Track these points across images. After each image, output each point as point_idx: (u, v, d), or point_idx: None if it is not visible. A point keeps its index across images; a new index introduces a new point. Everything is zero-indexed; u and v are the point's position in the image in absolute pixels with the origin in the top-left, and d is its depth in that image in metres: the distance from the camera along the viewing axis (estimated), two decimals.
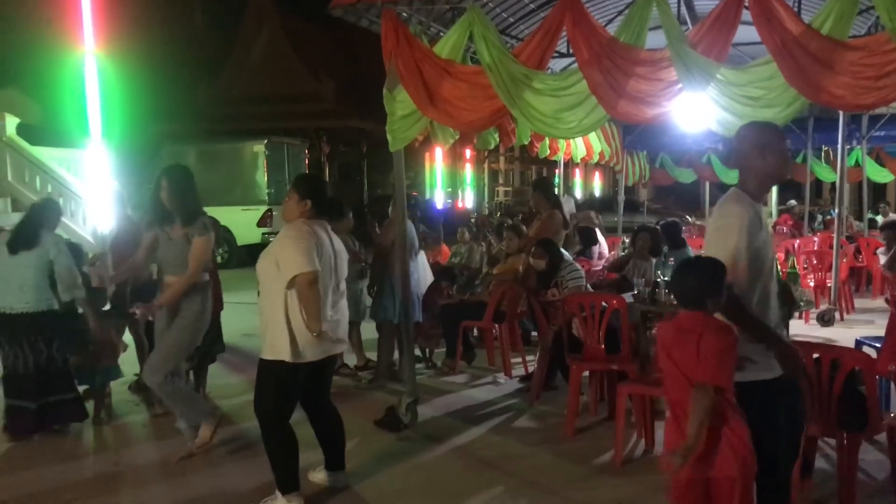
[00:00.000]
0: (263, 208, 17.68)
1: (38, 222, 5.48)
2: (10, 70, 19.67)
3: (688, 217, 18.22)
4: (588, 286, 6.67)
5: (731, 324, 3.03)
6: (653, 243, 7.69)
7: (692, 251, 8.13)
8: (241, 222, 17.11)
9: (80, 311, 5.51)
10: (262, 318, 4.18)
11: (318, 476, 4.60)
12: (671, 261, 7.09)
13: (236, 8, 23.57)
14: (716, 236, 3.24)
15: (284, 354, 4.08)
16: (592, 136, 10.29)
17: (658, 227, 8.10)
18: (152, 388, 5.10)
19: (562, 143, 9.88)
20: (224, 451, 5.23)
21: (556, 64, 8.09)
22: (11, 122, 14.12)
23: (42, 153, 14.29)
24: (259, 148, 18.40)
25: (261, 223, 17.57)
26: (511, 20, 7.59)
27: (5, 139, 13.95)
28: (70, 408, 5.55)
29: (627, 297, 5.98)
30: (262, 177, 18.33)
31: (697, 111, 4.76)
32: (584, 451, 5.14)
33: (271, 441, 4.25)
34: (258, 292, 4.26)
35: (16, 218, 13.11)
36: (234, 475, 4.81)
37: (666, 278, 6.46)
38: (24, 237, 5.38)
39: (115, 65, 15.07)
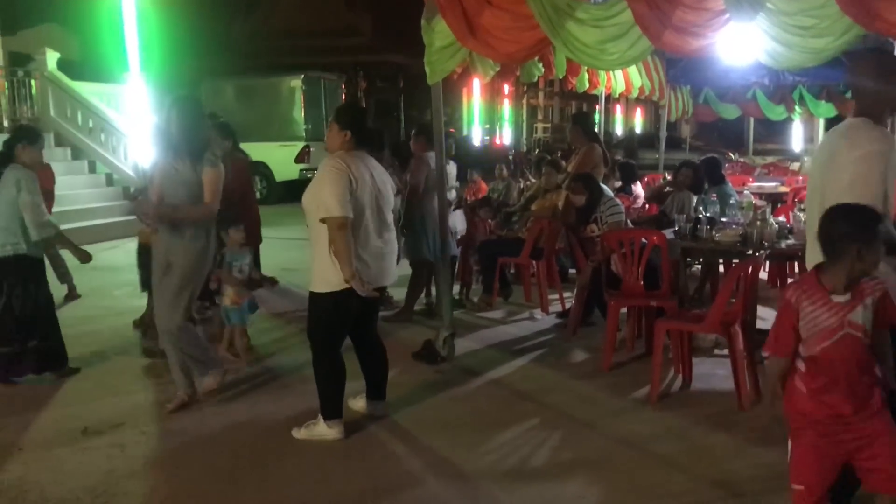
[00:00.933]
0: (301, 144, 17.69)
1: None
2: (49, 5, 19.71)
3: (731, 154, 17.84)
4: (628, 222, 6.61)
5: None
6: (694, 179, 7.58)
7: (732, 188, 8.00)
8: (279, 158, 17.16)
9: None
10: (312, 253, 4.24)
11: (359, 404, 4.69)
12: (713, 196, 6.98)
13: None
14: (863, 164, 3.16)
15: (335, 286, 4.14)
16: (633, 70, 10.02)
17: (700, 163, 7.96)
18: (168, 343, 4.72)
19: (602, 77, 9.65)
20: (260, 382, 5.37)
21: None
22: (52, 57, 14.19)
23: (82, 88, 14.38)
24: (296, 83, 18.33)
25: (298, 159, 17.60)
26: None
27: (47, 74, 14.05)
28: (53, 354, 5.42)
29: (668, 234, 5.92)
30: (299, 112, 18.30)
31: (744, 43, 4.60)
32: (621, 386, 5.17)
33: (321, 367, 4.35)
34: (307, 225, 4.28)
35: (59, 153, 13.43)
36: (270, 404, 4.93)
37: (707, 214, 6.37)
38: None
39: None
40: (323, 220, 4.06)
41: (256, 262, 6.39)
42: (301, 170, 17.42)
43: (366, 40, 21.65)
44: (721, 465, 4.00)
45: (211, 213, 4.64)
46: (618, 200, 6.66)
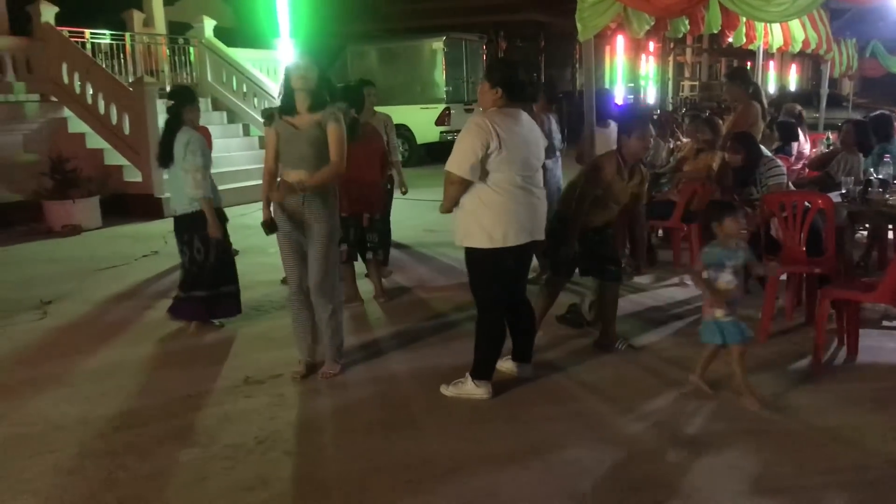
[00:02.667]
0: (441, 107, 17.80)
1: (171, 136, 5.55)
2: None
3: None
4: (790, 184, 6.23)
5: None
6: (861, 137, 7.04)
7: None
8: (420, 121, 17.35)
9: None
10: (457, 210, 4.26)
11: (506, 365, 4.70)
12: (886, 157, 6.47)
13: None
14: None
15: (486, 241, 4.17)
16: (795, 23, 9.38)
17: (869, 120, 7.38)
18: (322, 303, 4.68)
19: (759, 31, 9.09)
20: (406, 340, 5.48)
21: None
22: (209, 25, 14.85)
23: (236, 54, 15.00)
24: (438, 45, 18.39)
25: (439, 122, 17.73)
26: None
27: (204, 41, 14.74)
28: (230, 301, 5.83)
29: (834, 197, 5.54)
30: (440, 75, 18.37)
31: None
32: (779, 356, 4.93)
33: (483, 324, 4.40)
34: None
35: (216, 117, 14.11)
36: (417, 362, 5.05)
37: (880, 176, 5.92)
38: (167, 152, 5.56)
39: None
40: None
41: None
42: (441, 132, 17.55)
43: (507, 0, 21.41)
44: (892, 444, 3.75)
45: (340, 171, 4.52)
46: (779, 161, 6.29)
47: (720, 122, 7.61)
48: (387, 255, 7.17)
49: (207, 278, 5.67)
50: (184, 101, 5.64)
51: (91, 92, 11.86)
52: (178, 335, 5.74)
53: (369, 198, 6.13)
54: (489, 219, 4.14)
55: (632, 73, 26.28)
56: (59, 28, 12.17)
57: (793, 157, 8.45)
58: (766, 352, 5.00)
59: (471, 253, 4.29)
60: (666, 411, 4.21)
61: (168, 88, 13.87)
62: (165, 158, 5.58)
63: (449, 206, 4.26)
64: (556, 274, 5.23)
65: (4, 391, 4.73)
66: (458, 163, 4.11)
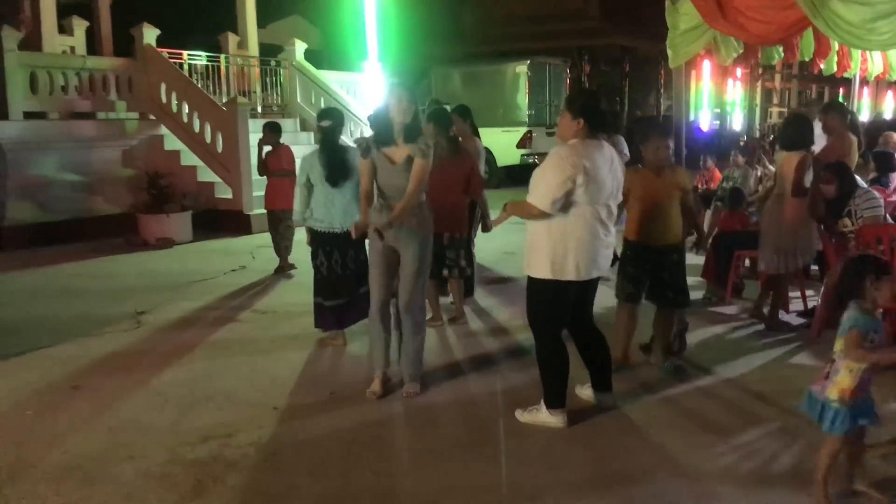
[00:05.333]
0: (523, 129, 17.85)
1: (341, 153, 5.68)
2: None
3: None
4: (887, 216, 6.01)
5: None
6: None
7: None
8: (502, 143, 17.41)
9: None
10: (528, 237, 4.28)
11: (585, 393, 4.67)
12: None
13: None
14: None
15: (552, 273, 4.16)
16: (894, 51, 9.10)
17: None
18: (410, 322, 4.80)
19: (855, 59, 8.84)
20: (484, 361, 5.50)
21: None
22: (300, 48, 15.28)
23: (325, 76, 15.38)
24: (521, 69, 18.49)
25: (520, 144, 17.77)
26: None
27: (295, 63, 15.17)
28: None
29: None
30: (523, 98, 18.45)
31: None
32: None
33: (542, 353, 4.39)
34: None
35: (303, 137, 14.49)
36: (498, 384, 5.06)
37: None
38: (342, 171, 5.63)
39: None
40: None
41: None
42: (522, 155, 17.58)
43: (593, 23, 21.36)
44: None
45: (413, 201, 4.61)
46: (875, 193, 6.08)
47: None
48: (471, 283, 7.19)
49: (352, 284, 5.81)
50: (340, 122, 5.87)
51: (187, 111, 12.35)
52: (266, 348, 5.89)
53: (450, 218, 6.19)
54: (561, 250, 4.12)
55: (718, 98, 25.83)
56: (159, 49, 12.75)
57: (890, 188, 8.14)
58: None
59: (535, 282, 4.27)
60: (752, 447, 4.10)
61: (259, 109, 14.38)
62: (344, 173, 5.63)
63: (527, 212, 4.18)
64: (623, 299, 5.21)
65: (99, 397, 4.94)
66: (542, 196, 4.08)
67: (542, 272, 4.20)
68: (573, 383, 4.59)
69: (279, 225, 8.41)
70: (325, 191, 5.70)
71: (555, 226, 4.13)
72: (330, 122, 5.78)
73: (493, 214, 5.78)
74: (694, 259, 5.92)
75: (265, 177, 8.55)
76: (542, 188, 4.09)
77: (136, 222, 10.83)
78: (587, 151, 4.11)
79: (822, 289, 6.08)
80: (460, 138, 6.59)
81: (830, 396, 3.34)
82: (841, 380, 3.32)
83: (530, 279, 4.31)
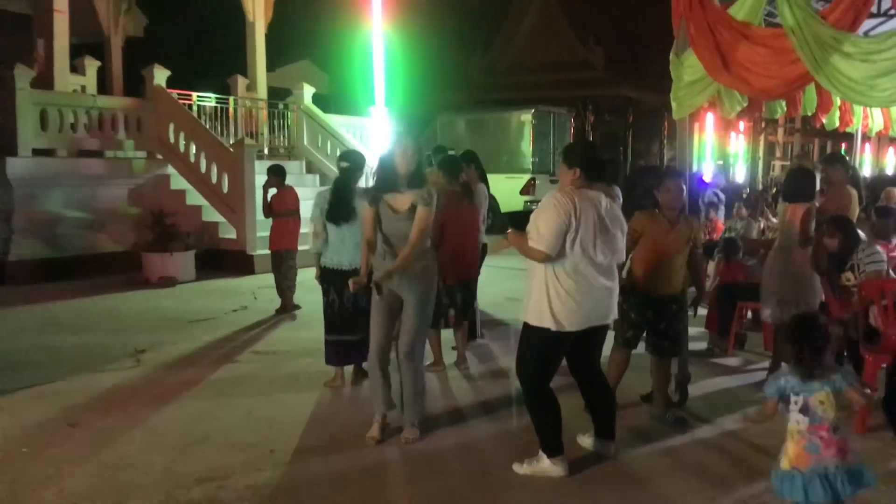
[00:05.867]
0: (527, 176, 17.97)
1: (348, 196, 5.75)
2: (304, 44, 21.69)
3: None
4: (890, 271, 6.01)
5: None
6: None
7: None
8: (505, 190, 17.50)
9: None
10: (527, 284, 4.27)
11: (587, 441, 4.62)
12: None
13: None
14: None
15: (547, 322, 4.14)
16: None
17: None
18: (410, 368, 4.79)
19: (857, 115, 8.95)
20: (483, 410, 5.45)
21: (869, 26, 7.31)
22: (308, 91, 15.48)
23: (332, 120, 15.56)
24: (526, 117, 18.69)
25: (523, 191, 17.88)
26: None
27: (303, 107, 15.35)
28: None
29: None
30: (527, 146, 18.63)
31: None
32: (877, 452, 4.68)
33: (532, 404, 4.35)
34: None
35: (309, 179, 14.59)
36: (510, 428, 4.99)
37: None
38: (342, 212, 5.74)
39: (397, 39, 15.99)
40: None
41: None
42: (525, 201, 17.67)
43: (598, 74, 21.64)
44: None
45: (416, 251, 4.63)
46: (878, 247, 6.09)
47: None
48: (475, 325, 7.21)
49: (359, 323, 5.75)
50: (359, 165, 5.95)
51: (194, 151, 12.48)
52: (265, 389, 5.86)
53: (472, 264, 6.23)
54: (557, 298, 4.11)
55: (720, 150, 26.02)
56: (169, 90, 12.92)
57: (893, 243, 8.15)
58: (865, 445, 4.75)
59: (530, 329, 4.23)
60: (754, 501, 4.05)
61: (266, 151, 14.51)
62: (345, 215, 5.72)
63: (527, 252, 4.17)
64: (621, 343, 5.21)
65: (96, 434, 4.91)
66: (541, 238, 4.07)
67: (538, 320, 4.18)
68: (575, 431, 4.55)
69: (282, 265, 8.47)
70: (334, 229, 5.78)
71: (551, 273, 4.13)
72: (347, 163, 5.89)
73: (498, 259, 5.83)
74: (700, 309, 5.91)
75: (270, 218, 8.62)
76: (542, 228, 4.10)
77: (140, 260, 10.85)
78: (580, 197, 4.15)
79: None
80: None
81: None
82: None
83: (525, 326, 4.28)
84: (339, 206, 5.75)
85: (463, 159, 6.86)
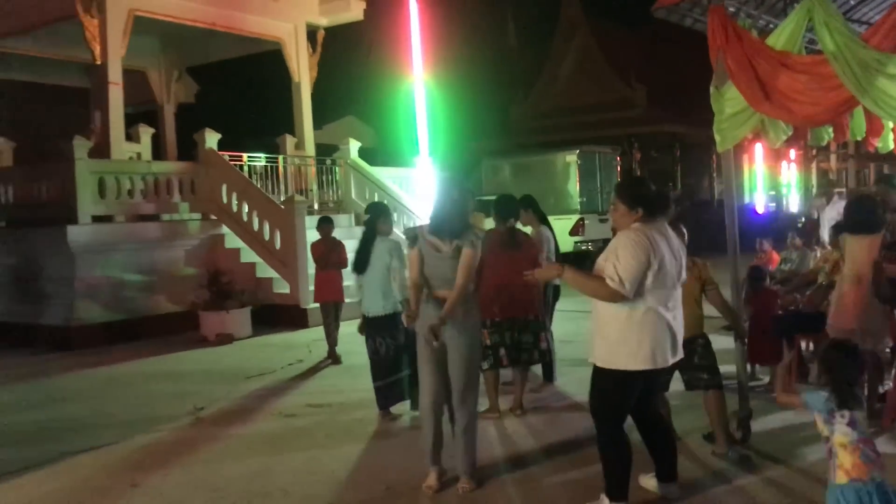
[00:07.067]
0: (575, 217, 17.90)
1: (369, 245, 6.29)
2: (349, 100, 22.20)
3: None
4: None
5: None
6: None
7: None
8: (555, 231, 17.44)
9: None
10: (596, 325, 4.18)
11: (650, 483, 4.52)
12: None
13: (548, 24, 24.25)
14: None
15: (620, 362, 4.07)
16: None
17: None
18: (464, 415, 4.73)
19: None
20: (539, 454, 5.36)
21: None
22: (354, 146, 15.78)
23: (379, 173, 15.79)
24: (571, 158, 18.71)
25: (573, 232, 17.80)
26: (852, 2, 6.91)
27: (350, 161, 15.63)
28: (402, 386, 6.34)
29: None
30: (573, 186, 18.60)
31: None
32: None
33: (605, 445, 4.26)
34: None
35: (358, 231, 14.70)
36: (567, 475, 4.90)
37: None
38: (361, 260, 6.32)
39: (438, 89, 16.25)
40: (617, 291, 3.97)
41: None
42: (575, 242, 17.58)
43: (641, 112, 21.65)
44: None
45: (463, 293, 4.64)
46: None
47: None
48: (551, 367, 7.25)
49: (392, 367, 6.29)
50: (378, 214, 6.45)
51: (246, 210, 12.76)
52: (323, 442, 5.88)
53: (522, 301, 6.19)
54: (635, 338, 4.02)
55: (772, 180, 25.64)
56: (220, 153, 13.29)
57: None
58: None
59: (603, 371, 4.14)
60: None
61: (316, 206, 14.77)
62: (363, 265, 6.29)
63: (594, 290, 4.04)
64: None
65: (157, 495, 4.96)
66: (621, 278, 3.92)
67: (614, 362, 4.09)
68: (637, 472, 4.46)
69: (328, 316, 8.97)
70: (358, 277, 6.32)
71: (625, 313, 4.03)
72: (368, 214, 6.51)
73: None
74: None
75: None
76: (622, 268, 3.94)
77: (198, 319, 11.06)
78: (653, 235, 4.06)
79: (894, 373, 5.84)
80: (529, 227, 7.00)
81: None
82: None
83: (597, 368, 4.19)
84: (358, 254, 6.33)
85: (521, 204, 6.89)
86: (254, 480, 5.12)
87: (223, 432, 6.33)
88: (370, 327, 6.35)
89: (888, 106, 4.38)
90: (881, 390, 6.12)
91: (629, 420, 4.35)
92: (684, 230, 5.87)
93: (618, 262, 3.98)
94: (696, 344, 5.04)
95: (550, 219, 17.48)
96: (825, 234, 8.56)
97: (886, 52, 4.38)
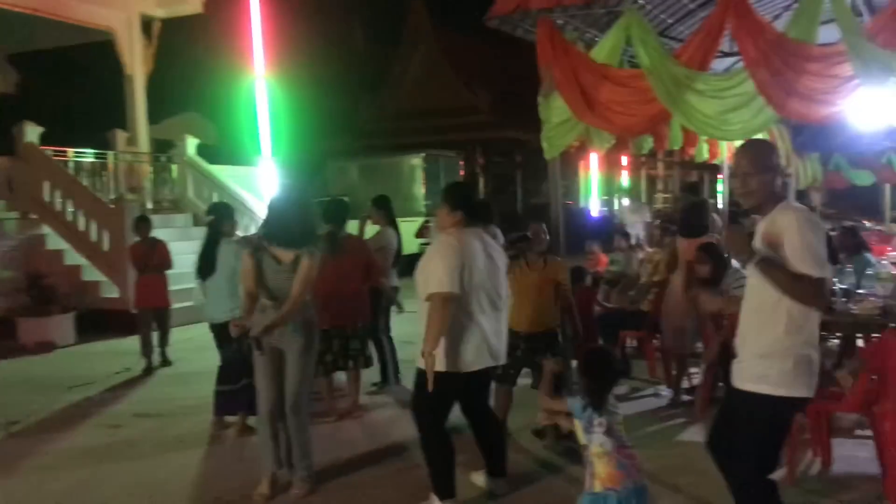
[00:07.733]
0: (421, 219, 18.11)
1: (213, 249, 5.94)
2: (189, 96, 21.36)
3: (866, 222, 16.91)
4: None
5: None
6: (829, 250, 7.21)
7: (873, 257, 7.57)
8: (401, 233, 17.58)
9: None
10: (421, 326, 4.23)
11: (479, 479, 4.63)
12: (849, 267, 6.63)
13: (395, 27, 24.37)
14: None
15: (439, 365, 4.12)
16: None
17: (837, 233, 7.60)
18: (296, 422, 4.67)
19: (722, 147, 9.46)
20: (391, 454, 5.38)
21: (719, 64, 7.79)
22: (192, 143, 15.20)
23: (219, 171, 15.29)
24: (417, 161, 18.95)
25: (419, 234, 17.98)
26: (669, 21, 7.40)
27: (186, 158, 15.04)
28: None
29: None
30: (419, 189, 18.84)
31: (876, 108, 4.44)
32: None
33: (429, 445, 4.33)
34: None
35: (196, 232, 14.23)
36: (404, 477, 4.94)
37: (844, 286, 6.05)
38: (205, 265, 5.97)
39: (283, 87, 15.95)
40: (428, 298, 4.07)
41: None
42: (421, 244, 17.76)
43: (484, 117, 22.13)
44: None
45: (299, 304, 4.57)
46: (746, 272, 6.40)
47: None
48: (396, 369, 7.27)
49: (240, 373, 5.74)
50: (222, 215, 6.10)
51: (71, 209, 11.99)
52: (150, 453, 5.62)
53: (350, 309, 6.17)
54: (451, 341, 4.12)
55: (607, 186, 27.01)
56: (42, 147, 12.42)
57: None
58: None
59: (421, 372, 4.19)
60: None
61: (150, 205, 14.11)
62: (207, 269, 5.90)
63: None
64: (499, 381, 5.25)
65: None
66: (444, 279, 4.03)
67: (438, 364, 4.12)
68: (468, 469, 4.56)
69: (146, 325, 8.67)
70: (202, 283, 5.96)
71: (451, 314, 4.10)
72: (212, 216, 6.12)
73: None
74: None
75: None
76: (440, 272, 4.05)
77: (15, 326, 10.27)
78: (467, 238, 4.21)
79: (703, 366, 6.30)
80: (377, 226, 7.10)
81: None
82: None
83: (418, 369, 4.24)
84: (201, 259, 5.97)
85: (374, 202, 6.89)
86: (74, 496, 4.82)
87: (41, 447, 5.91)
88: (218, 335, 5.95)
89: (696, 119, 4.74)
90: (687, 385, 6.62)
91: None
92: (496, 231, 6.09)
93: (437, 267, 4.09)
94: (540, 343, 5.25)
95: (397, 221, 17.62)
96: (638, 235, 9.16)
97: (694, 69, 4.74)
